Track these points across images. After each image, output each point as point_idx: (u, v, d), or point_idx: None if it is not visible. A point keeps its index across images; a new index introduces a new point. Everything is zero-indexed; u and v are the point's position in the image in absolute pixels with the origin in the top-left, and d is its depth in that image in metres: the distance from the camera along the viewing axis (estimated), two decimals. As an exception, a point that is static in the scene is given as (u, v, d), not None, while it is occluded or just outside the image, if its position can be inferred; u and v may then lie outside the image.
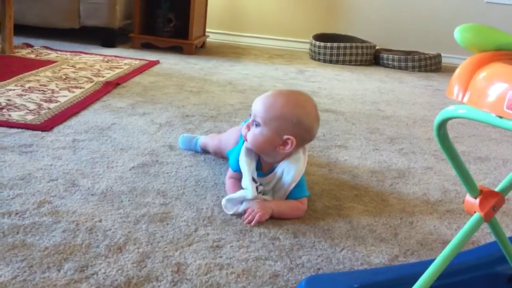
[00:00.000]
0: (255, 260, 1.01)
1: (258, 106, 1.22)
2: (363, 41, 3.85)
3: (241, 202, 1.18)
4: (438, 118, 0.67)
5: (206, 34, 3.85)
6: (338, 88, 2.84)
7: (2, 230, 1.01)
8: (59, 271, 0.90)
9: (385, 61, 3.73)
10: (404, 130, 2.09)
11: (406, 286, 0.75)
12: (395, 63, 3.69)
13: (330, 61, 3.67)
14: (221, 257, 1.01)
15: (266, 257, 1.03)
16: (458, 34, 0.66)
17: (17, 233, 1.00)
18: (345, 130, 2.00)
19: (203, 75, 2.78)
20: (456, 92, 0.64)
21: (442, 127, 0.68)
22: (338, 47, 3.67)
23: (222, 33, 4.24)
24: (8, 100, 1.85)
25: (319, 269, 1.01)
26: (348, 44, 3.69)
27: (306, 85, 2.82)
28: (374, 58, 3.78)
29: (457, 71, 0.66)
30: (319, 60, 3.72)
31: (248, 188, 1.18)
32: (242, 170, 1.22)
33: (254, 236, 1.10)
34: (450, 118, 0.67)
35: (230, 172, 1.30)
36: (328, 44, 3.68)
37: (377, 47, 3.84)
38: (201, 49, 3.70)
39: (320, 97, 2.53)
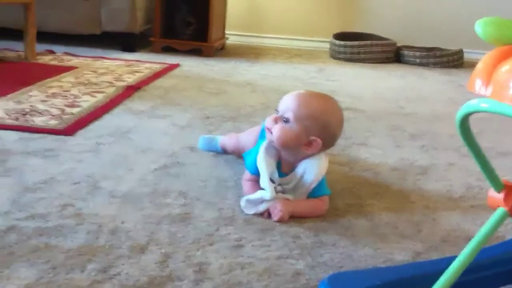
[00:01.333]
0: (277, 258, 1.01)
1: (291, 102, 1.22)
2: (383, 39, 3.82)
3: (261, 202, 1.18)
4: (461, 113, 0.66)
5: (226, 36, 3.87)
6: (358, 86, 2.83)
7: (27, 233, 1.02)
8: (82, 272, 0.91)
9: (406, 58, 3.70)
10: (426, 126, 2.07)
11: (430, 283, 0.74)
12: (416, 59, 3.65)
13: (351, 60, 3.65)
14: (242, 256, 1.01)
15: (287, 255, 1.03)
16: (479, 28, 0.66)
17: (41, 235, 1.02)
18: (366, 128, 1.99)
19: (223, 77, 2.79)
20: (479, 86, 0.64)
21: (465, 121, 0.67)
22: (359, 45, 3.65)
23: (241, 34, 4.25)
24: (32, 106, 1.88)
25: (341, 267, 1.00)
26: (368, 42, 3.67)
27: (326, 84, 2.81)
28: (395, 56, 3.75)
29: (479, 65, 0.65)
30: (339, 58, 3.70)
31: (267, 188, 1.18)
32: (261, 171, 1.22)
33: (275, 235, 1.10)
34: (472, 112, 0.65)
35: (247, 174, 1.30)
36: (349, 43, 3.66)
37: (398, 44, 3.80)
38: (221, 51, 3.72)
39: (340, 95, 2.51)
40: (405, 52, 3.70)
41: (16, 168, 1.34)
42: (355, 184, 1.43)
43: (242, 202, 1.19)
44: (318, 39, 4.17)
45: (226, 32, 3.89)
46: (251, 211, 1.18)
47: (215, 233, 1.09)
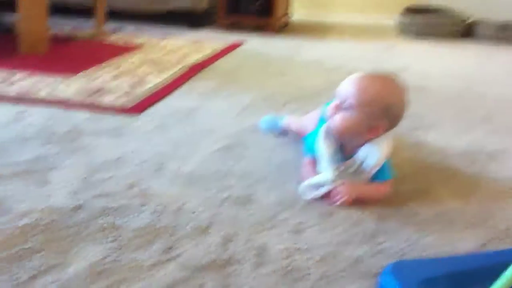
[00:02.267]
0: (337, 244, 1.00)
1: (350, 89, 1.18)
2: (454, 13, 3.66)
3: (321, 186, 1.17)
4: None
5: (290, 13, 3.82)
6: (428, 64, 2.73)
7: (94, 212, 1.06)
8: (146, 251, 0.94)
9: (480, 34, 3.53)
10: (498, 109, 1.98)
11: (496, 275, 0.72)
12: (490, 35, 3.48)
13: (420, 36, 3.53)
14: (302, 241, 1.01)
15: (348, 241, 1.01)
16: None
17: (108, 215, 1.05)
18: (434, 109, 1.92)
19: (287, 55, 2.77)
20: None
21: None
22: (429, 21, 3.52)
23: (307, 12, 4.19)
24: (100, 85, 1.93)
25: (403, 255, 0.98)
26: (438, 17, 3.53)
27: (394, 61, 2.74)
28: (467, 31, 3.59)
29: None
30: (408, 35, 3.59)
31: (328, 171, 1.17)
32: (321, 154, 1.20)
33: (336, 220, 1.09)
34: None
35: (306, 158, 1.28)
36: (418, 18, 3.54)
37: (471, 19, 3.64)
38: (285, 28, 3.68)
39: (408, 74, 2.44)
40: (478, 27, 3.54)
41: (84, 147, 1.38)
42: (421, 169, 1.39)
43: (301, 187, 1.18)
44: (387, 15, 4.06)
45: (291, 8, 3.84)
46: (310, 195, 1.17)
47: (276, 217, 1.09)
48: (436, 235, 1.06)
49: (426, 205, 1.18)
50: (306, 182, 1.19)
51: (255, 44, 3.01)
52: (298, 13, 4.04)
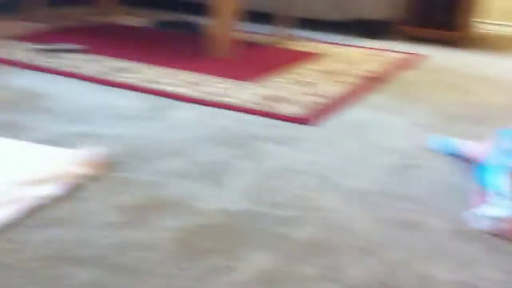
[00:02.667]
0: (508, 282, 0.93)
1: None
2: None
3: (495, 219, 1.09)
4: None
5: (476, 25, 3.60)
6: None
7: (264, 219, 1.11)
8: (311, 266, 0.96)
9: None
10: None
11: None
12: None
13: None
14: (472, 275, 0.95)
15: (525, 285, 0.94)
16: None
17: (277, 223, 1.09)
18: None
19: (474, 72, 2.62)
20: None
21: None
22: None
23: (503, 24, 3.91)
24: (278, 92, 2.01)
25: None
26: None
27: None
28: None
29: None
30: None
31: (504, 205, 1.09)
32: (498, 187, 1.12)
33: (507, 254, 1.01)
34: None
35: (477, 186, 1.20)
36: None
37: None
38: (470, 41, 3.48)
39: None
40: None
41: (259, 153, 1.45)
42: None
43: (472, 216, 1.12)
44: None
45: (484, 20, 3.62)
46: (482, 226, 1.10)
47: (446, 245, 1.04)
48: None
49: None
50: (478, 212, 1.12)
51: (440, 59, 2.89)
52: (494, 25, 3.80)
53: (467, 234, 1.09)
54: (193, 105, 1.82)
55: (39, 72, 2.08)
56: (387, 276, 0.94)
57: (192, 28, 3.18)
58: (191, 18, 3.33)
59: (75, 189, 1.17)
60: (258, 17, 3.44)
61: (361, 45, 3.10)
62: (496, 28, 3.88)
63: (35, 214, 1.06)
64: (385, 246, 1.03)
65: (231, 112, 1.76)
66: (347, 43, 3.11)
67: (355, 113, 1.84)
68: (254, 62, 2.54)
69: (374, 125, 1.73)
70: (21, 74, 2.05)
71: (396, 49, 3.00)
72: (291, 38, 3.13)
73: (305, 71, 2.37)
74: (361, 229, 1.09)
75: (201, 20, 3.21)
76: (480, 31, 3.73)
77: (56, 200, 1.11)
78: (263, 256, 0.98)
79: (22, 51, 2.38)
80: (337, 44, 3.08)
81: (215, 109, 1.79)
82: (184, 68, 2.27)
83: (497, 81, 2.42)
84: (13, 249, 0.95)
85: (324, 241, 1.04)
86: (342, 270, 0.95)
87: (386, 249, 1.02)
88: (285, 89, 2.06)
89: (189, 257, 0.96)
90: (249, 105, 1.83)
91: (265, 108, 1.81)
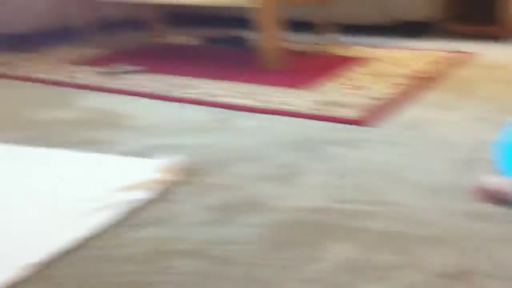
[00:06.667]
0: None
1: None
2: None
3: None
4: None
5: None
6: None
7: (340, 214, 1.20)
8: (386, 254, 1.04)
9: None
10: None
11: None
12: None
13: None
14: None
15: None
16: None
17: (352, 218, 1.18)
18: None
19: (521, 65, 2.64)
20: None
21: None
22: None
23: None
24: (333, 97, 2.10)
25: None
26: None
27: None
28: None
29: None
30: None
31: None
32: None
33: None
34: None
35: None
36: None
37: None
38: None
39: None
40: None
41: (326, 155, 1.54)
42: None
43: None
44: None
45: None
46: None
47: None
48: None
49: None
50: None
51: (484, 54, 2.92)
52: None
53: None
54: (255, 114, 1.93)
55: (110, 93, 2.25)
56: (465, 263, 1.01)
57: (239, 43, 3.30)
58: (236, 33, 3.46)
59: (164, 193, 1.29)
60: (301, 26, 3.53)
61: (406, 46, 3.15)
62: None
63: (134, 215, 1.19)
64: (459, 235, 1.10)
65: (292, 119, 1.87)
66: (392, 45, 3.17)
67: (412, 112, 1.91)
68: (305, 70, 2.64)
69: (433, 122, 1.79)
70: (94, 96, 2.22)
71: (441, 48, 3.04)
72: (337, 44, 3.21)
73: (355, 75, 2.45)
74: (434, 221, 1.16)
75: (246, 34, 3.33)
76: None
77: (149, 203, 1.24)
78: (343, 247, 1.07)
79: (88, 75, 2.56)
80: (382, 47, 3.14)
81: (276, 117, 1.89)
82: (239, 80, 2.39)
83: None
84: (122, 244, 1.07)
85: (399, 233, 1.12)
86: (421, 258, 1.03)
87: (460, 238, 1.09)
88: (339, 93, 2.15)
89: (275, 249, 1.06)
90: (308, 111, 1.93)
91: (324, 113, 1.90)
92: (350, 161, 1.49)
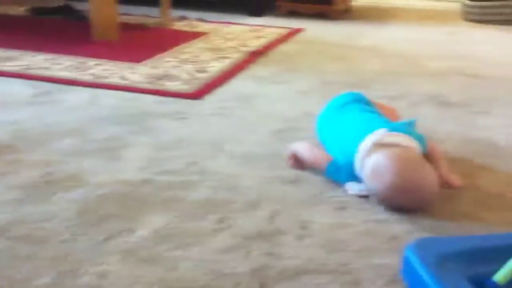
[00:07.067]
0: (376, 222, 1.09)
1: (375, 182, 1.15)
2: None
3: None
4: None
5: (352, -2, 3.85)
6: (489, 50, 2.72)
7: (159, 185, 1.19)
8: (203, 221, 1.06)
9: (547, 19, 3.44)
10: None
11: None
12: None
13: (484, 21, 3.48)
14: (344, 217, 1.10)
15: (387, 220, 1.10)
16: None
17: (171, 188, 1.18)
18: (488, 96, 1.94)
19: (347, 41, 2.82)
20: None
21: None
22: (493, 6, 3.46)
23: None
24: (165, 71, 2.08)
25: (438, 233, 1.06)
26: (504, 2, 3.46)
27: (454, 48, 2.74)
28: (534, 16, 3.51)
29: None
30: (471, 20, 3.54)
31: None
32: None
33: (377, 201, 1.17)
34: None
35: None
36: (482, 3, 3.49)
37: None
38: (346, 13, 3.72)
39: (468, 60, 2.45)
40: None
41: (152, 128, 1.52)
42: (468, 154, 1.44)
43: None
44: (451, -1, 4.00)
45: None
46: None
47: (321, 195, 1.19)
48: (473, 217, 1.12)
49: (468, 189, 1.24)
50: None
51: (315, 31, 3.07)
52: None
53: (341, 185, 1.23)
54: (83, 88, 1.85)
55: None
56: (269, 224, 1.06)
57: (71, 14, 3.14)
58: (68, 3, 3.28)
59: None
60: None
61: (246, 22, 3.22)
62: (372, 0, 4.16)
63: None
64: (268, 199, 1.16)
65: (122, 92, 1.81)
66: (233, 22, 3.21)
67: (240, 86, 1.95)
68: (140, 44, 2.58)
69: (258, 95, 1.85)
70: None
71: (276, 25, 3.15)
72: (176, 19, 3.18)
73: (191, 50, 2.45)
74: (247, 187, 1.21)
75: (79, 5, 3.18)
76: (357, 3, 3.99)
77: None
78: (160, 217, 1.07)
79: None
80: (222, 22, 3.17)
81: (106, 91, 1.83)
82: (69, 53, 2.26)
83: (372, 50, 2.63)
84: None
85: (218, 201, 1.14)
86: (231, 223, 1.06)
87: (269, 202, 1.15)
88: (172, 67, 2.13)
89: (91, 224, 1.03)
90: (138, 85, 1.89)
91: (154, 87, 1.88)
92: (176, 134, 1.49)
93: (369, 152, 1.17)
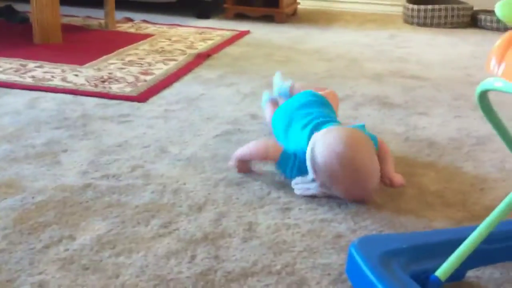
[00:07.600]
0: (321, 221, 1.10)
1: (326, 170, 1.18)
2: (460, 2, 3.71)
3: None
4: (478, 90, 0.71)
5: (298, 1, 3.89)
6: (429, 53, 2.80)
7: (101, 190, 1.16)
8: (146, 226, 1.04)
9: (483, 23, 3.57)
10: (492, 96, 2.04)
11: (454, 249, 0.81)
12: (493, 24, 3.53)
13: (425, 25, 3.58)
14: (289, 218, 1.10)
15: (331, 219, 1.11)
16: (498, 10, 0.68)
17: (113, 193, 1.15)
18: (429, 96, 2.00)
19: (292, 44, 2.85)
20: (492, 66, 0.68)
21: (483, 98, 0.72)
22: (433, 9, 3.57)
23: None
24: (110, 73, 2.04)
25: (381, 231, 1.07)
26: (443, 6, 3.58)
27: (396, 50, 2.80)
28: (471, 20, 3.64)
29: (495, 44, 0.69)
30: (413, 23, 3.64)
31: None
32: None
33: (322, 200, 1.18)
34: (488, 90, 0.70)
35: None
36: (422, 7, 3.59)
37: (475, 8, 3.68)
38: (293, 17, 3.75)
39: (409, 62, 2.51)
40: (482, 17, 3.58)
41: (93, 131, 1.49)
42: (409, 153, 1.47)
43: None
44: (394, 2, 4.10)
45: (299, -3, 3.91)
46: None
47: (267, 196, 1.18)
48: (415, 214, 1.15)
49: (409, 187, 1.27)
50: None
51: (262, 33, 3.09)
52: (310, 1, 4.11)
53: (287, 186, 1.24)
54: (22, 91, 1.79)
55: None
56: (215, 227, 1.05)
57: (11, 15, 3.03)
58: (7, 4, 3.18)
59: None
60: (88, 1, 3.38)
61: (193, 25, 3.20)
62: (320, 3, 4.21)
63: None
64: (213, 202, 1.15)
65: (63, 95, 1.77)
66: (179, 24, 3.19)
67: (186, 88, 1.93)
68: (84, 46, 2.52)
69: (204, 97, 1.84)
70: None
71: (223, 27, 3.15)
72: (121, 21, 3.13)
73: (137, 52, 2.41)
74: (191, 190, 1.19)
75: (19, 6, 3.08)
76: (302, 7, 4.03)
77: None
78: (102, 222, 1.04)
79: None
80: (169, 24, 3.14)
81: (46, 94, 1.77)
82: (10, 56, 2.19)
83: (317, 52, 2.66)
84: None
85: (161, 204, 1.12)
86: (176, 227, 1.05)
87: (214, 204, 1.14)
88: (117, 70, 2.09)
89: (28, 232, 0.99)
90: (81, 88, 1.84)
91: (97, 89, 1.84)
92: (119, 137, 1.46)
93: (323, 135, 1.19)
